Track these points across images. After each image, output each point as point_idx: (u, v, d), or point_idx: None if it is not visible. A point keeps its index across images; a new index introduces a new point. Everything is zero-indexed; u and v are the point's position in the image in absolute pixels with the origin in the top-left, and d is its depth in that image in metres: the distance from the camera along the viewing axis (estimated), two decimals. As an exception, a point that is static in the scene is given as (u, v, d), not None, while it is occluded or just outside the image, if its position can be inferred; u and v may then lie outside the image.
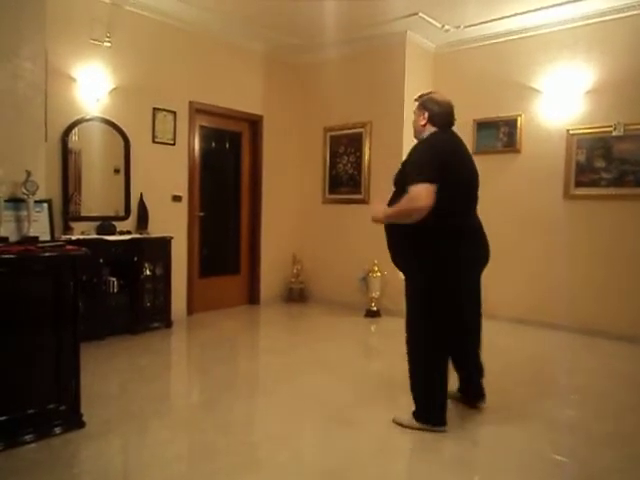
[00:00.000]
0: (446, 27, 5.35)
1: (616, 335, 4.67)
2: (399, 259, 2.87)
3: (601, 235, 4.84)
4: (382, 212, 2.76)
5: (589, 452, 2.55)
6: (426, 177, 2.52)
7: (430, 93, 2.92)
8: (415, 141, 2.90)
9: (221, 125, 5.77)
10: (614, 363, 4.12)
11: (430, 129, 2.79)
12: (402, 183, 2.68)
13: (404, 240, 2.75)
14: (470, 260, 2.76)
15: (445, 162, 2.61)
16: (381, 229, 5.30)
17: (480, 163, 2.93)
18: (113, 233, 4.56)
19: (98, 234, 4.48)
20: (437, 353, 2.75)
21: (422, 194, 2.50)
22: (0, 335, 2.41)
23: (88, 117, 4.51)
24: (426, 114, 2.79)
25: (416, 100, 2.91)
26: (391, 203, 2.73)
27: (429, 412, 2.74)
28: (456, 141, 2.83)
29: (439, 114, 2.78)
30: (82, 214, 4.53)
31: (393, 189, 2.82)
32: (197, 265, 5.55)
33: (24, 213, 2.80)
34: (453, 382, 3.03)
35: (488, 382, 3.44)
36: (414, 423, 2.76)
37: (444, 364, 2.79)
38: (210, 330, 4.95)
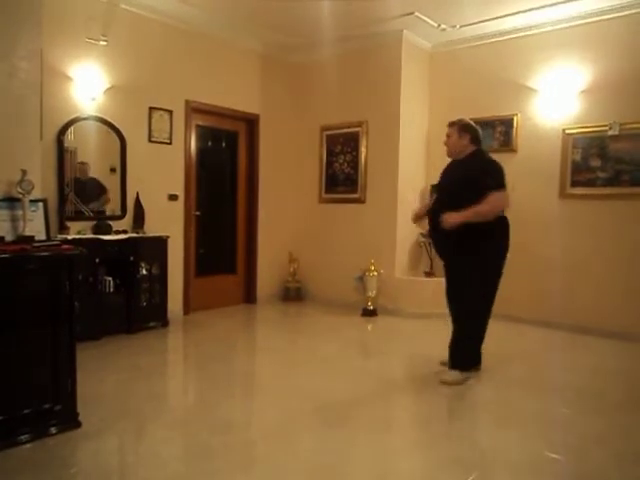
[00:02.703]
0: (442, 26, 5.35)
1: (611, 333, 4.68)
2: None
3: (597, 234, 4.86)
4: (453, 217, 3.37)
5: (583, 450, 2.56)
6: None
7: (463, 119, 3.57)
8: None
9: (217, 124, 5.76)
10: (608, 361, 4.14)
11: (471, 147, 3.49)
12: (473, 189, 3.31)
13: None
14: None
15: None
16: (377, 229, 5.42)
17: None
18: (109, 232, 4.55)
19: (94, 233, 4.47)
20: None
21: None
22: (-4, 335, 2.41)
23: (84, 116, 4.50)
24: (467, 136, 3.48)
25: (453, 125, 3.53)
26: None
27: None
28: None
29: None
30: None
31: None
32: (193, 264, 5.54)
33: (19, 212, 2.78)
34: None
35: (482, 380, 3.46)
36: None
37: None
38: (207, 329, 4.95)
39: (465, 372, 3.48)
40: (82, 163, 4.63)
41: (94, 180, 4.73)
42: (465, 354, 3.51)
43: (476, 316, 3.51)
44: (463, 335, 3.50)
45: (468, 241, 3.33)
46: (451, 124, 3.55)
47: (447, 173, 3.62)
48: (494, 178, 3.33)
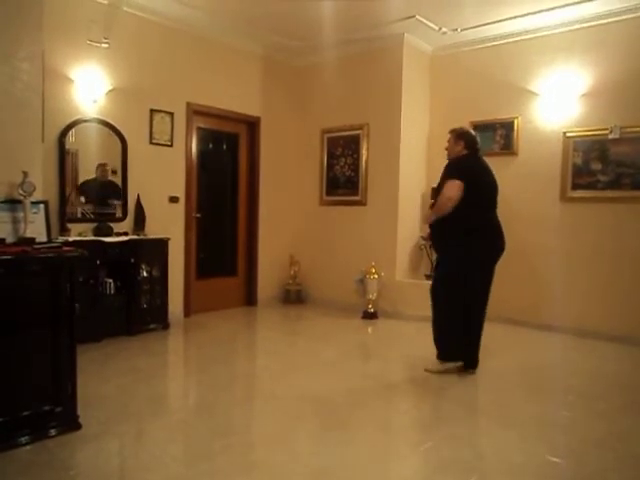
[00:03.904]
0: (443, 30, 5.37)
1: (612, 336, 4.68)
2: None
3: (597, 237, 4.86)
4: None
5: (583, 453, 2.56)
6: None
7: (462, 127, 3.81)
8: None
9: (219, 126, 5.77)
10: (608, 364, 4.13)
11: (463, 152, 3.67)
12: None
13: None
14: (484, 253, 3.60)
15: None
16: (378, 232, 5.49)
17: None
18: (110, 234, 4.55)
19: (95, 235, 4.48)
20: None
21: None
22: (-4, 336, 2.41)
23: (85, 118, 4.51)
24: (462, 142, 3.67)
25: (452, 132, 3.74)
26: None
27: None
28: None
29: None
30: (79, 215, 4.53)
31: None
32: (194, 266, 5.55)
33: (21, 214, 2.79)
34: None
35: (483, 383, 3.46)
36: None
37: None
38: (207, 331, 4.95)
39: (446, 363, 3.66)
40: (102, 164, 4.68)
41: (112, 182, 4.76)
42: (444, 346, 3.68)
43: (451, 314, 3.63)
44: (441, 330, 3.69)
45: (444, 240, 3.65)
46: (451, 131, 3.77)
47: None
48: (447, 171, 3.60)
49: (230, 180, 6.03)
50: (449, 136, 3.77)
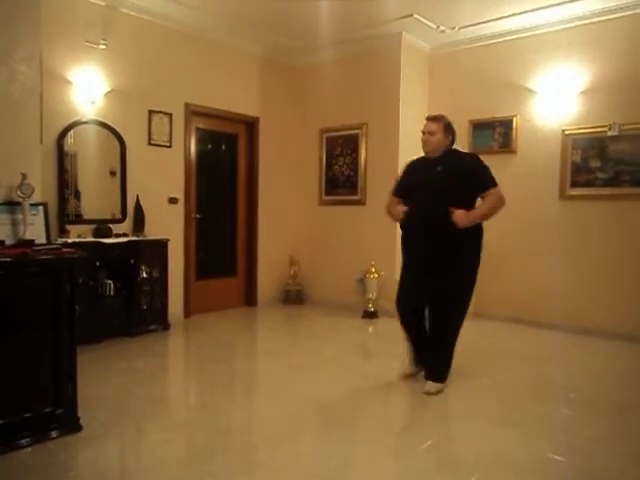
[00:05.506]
0: (441, 28, 5.37)
1: (611, 334, 4.68)
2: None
3: (597, 235, 4.86)
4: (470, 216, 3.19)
5: (586, 451, 2.55)
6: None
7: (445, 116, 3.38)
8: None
9: (217, 127, 5.77)
10: (610, 362, 4.13)
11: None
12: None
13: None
14: None
15: None
16: (378, 231, 5.39)
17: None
18: (109, 236, 4.55)
19: (94, 237, 4.47)
20: None
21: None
22: (-4, 338, 2.41)
23: (84, 120, 4.50)
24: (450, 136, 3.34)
25: (438, 121, 3.31)
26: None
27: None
28: None
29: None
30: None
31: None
32: (194, 267, 5.54)
33: (20, 216, 2.79)
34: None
35: (484, 382, 3.45)
36: None
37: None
38: (207, 332, 4.95)
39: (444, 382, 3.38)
40: None
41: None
42: (448, 367, 3.41)
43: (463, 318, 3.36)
44: (453, 342, 3.38)
45: (468, 240, 3.24)
46: (434, 119, 3.30)
47: (425, 171, 3.34)
48: (491, 175, 3.25)
49: (229, 180, 6.03)
50: (433, 126, 3.26)
